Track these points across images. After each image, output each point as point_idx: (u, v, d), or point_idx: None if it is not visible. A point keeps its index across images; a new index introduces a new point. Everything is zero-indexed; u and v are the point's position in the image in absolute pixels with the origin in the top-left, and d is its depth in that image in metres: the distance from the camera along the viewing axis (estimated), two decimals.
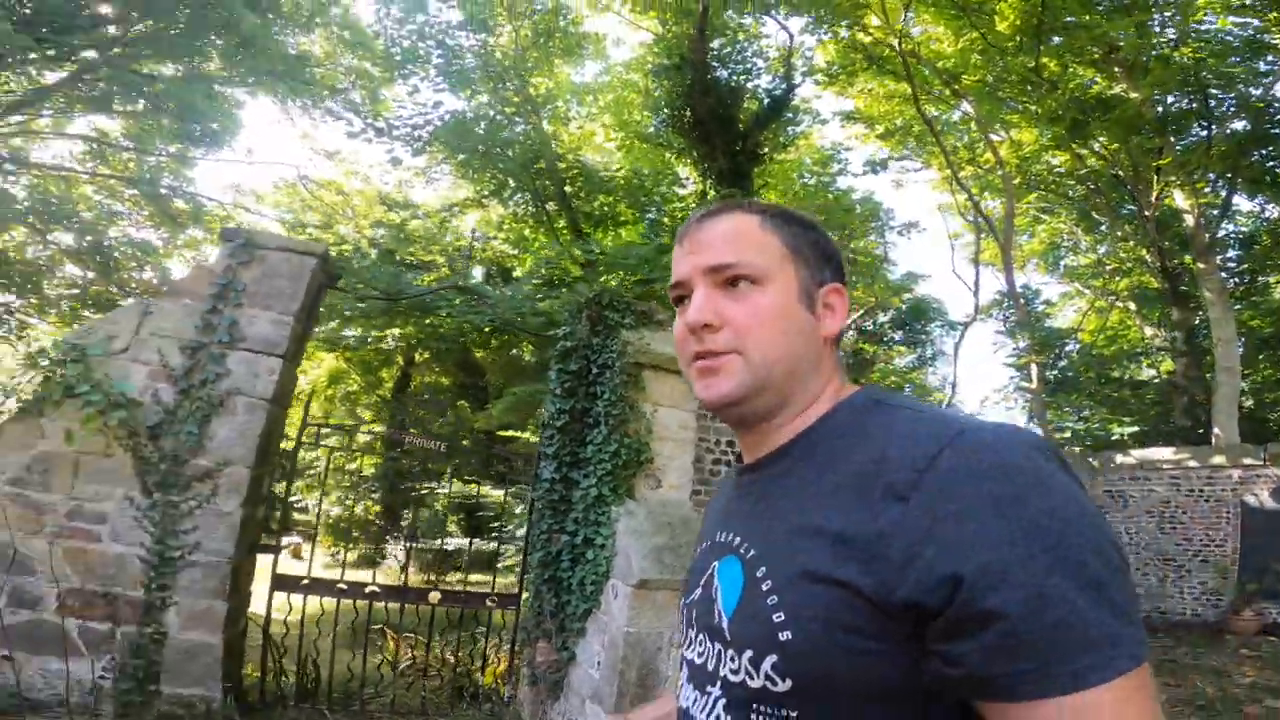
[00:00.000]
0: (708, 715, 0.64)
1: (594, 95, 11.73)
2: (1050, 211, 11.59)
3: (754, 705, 0.59)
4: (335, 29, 13.23)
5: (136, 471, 3.44)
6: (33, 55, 9.09)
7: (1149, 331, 11.28)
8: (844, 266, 0.73)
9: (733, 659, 0.61)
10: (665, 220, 10.08)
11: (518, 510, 7.62)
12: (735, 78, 9.79)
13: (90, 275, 11.21)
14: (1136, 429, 10.87)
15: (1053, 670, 0.48)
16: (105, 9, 10.15)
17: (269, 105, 12.99)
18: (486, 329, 6.91)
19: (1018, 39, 9.11)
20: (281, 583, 3.98)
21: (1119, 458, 8.60)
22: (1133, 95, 9.14)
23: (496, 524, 8.33)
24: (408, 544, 7.56)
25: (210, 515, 3.54)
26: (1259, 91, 9.28)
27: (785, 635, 0.56)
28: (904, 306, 11.28)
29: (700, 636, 0.68)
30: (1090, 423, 11.55)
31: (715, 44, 9.65)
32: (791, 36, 10.16)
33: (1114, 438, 10.99)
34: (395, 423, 10.10)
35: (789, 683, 0.56)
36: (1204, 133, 9.57)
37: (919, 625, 0.51)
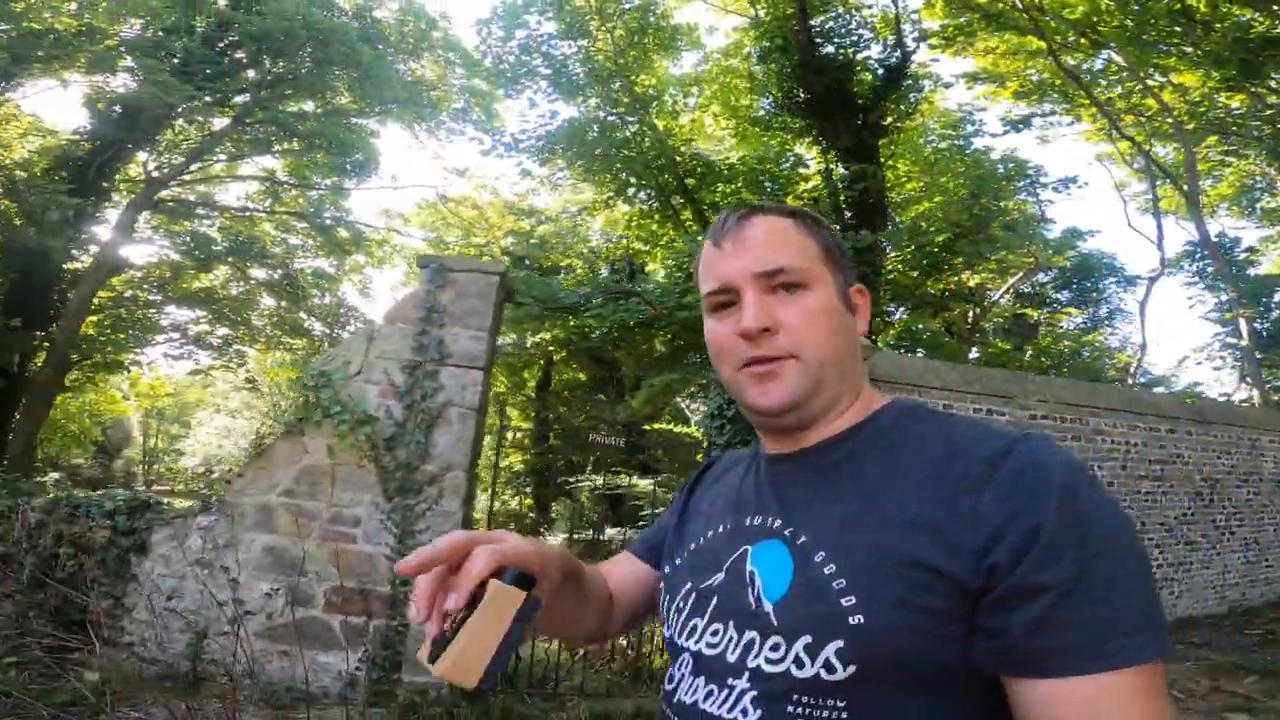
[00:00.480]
0: (729, 709, 0.62)
1: (699, 86, 11.70)
2: (1237, 154, 10.17)
3: (794, 697, 0.58)
4: (440, 52, 14.14)
5: (379, 479, 3.94)
6: (195, 103, 10.29)
7: None
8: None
9: (776, 647, 0.60)
10: (791, 201, 9.91)
11: (669, 497, 7.88)
12: (843, 52, 9.41)
13: (283, 304, 12.72)
14: None
15: (1093, 647, 0.50)
16: (240, 54, 11.36)
17: (399, 132, 14.00)
18: (632, 324, 7.16)
19: None
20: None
21: None
22: None
23: (646, 512, 8.64)
24: (569, 534, 8.04)
25: (438, 515, 3.98)
26: None
27: (857, 619, 0.56)
28: (1067, 265, 10.33)
29: (719, 625, 0.66)
30: None
31: (815, 21, 9.28)
32: (896, 2, 9.57)
33: None
34: (540, 419, 10.70)
35: (851, 669, 0.56)
36: None
37: (976, 605, 0.54)
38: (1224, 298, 9.34)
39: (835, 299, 0.69)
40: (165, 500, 4.33)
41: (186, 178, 12.02)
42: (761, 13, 9.91)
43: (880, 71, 9.32)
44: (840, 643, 0.56)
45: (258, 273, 12.64)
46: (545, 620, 0.71)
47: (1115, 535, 0.54)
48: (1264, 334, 9.96)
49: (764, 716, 0.59)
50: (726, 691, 0.62)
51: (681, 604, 0.72)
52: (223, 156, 12.80)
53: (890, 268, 9.42)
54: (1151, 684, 0.51)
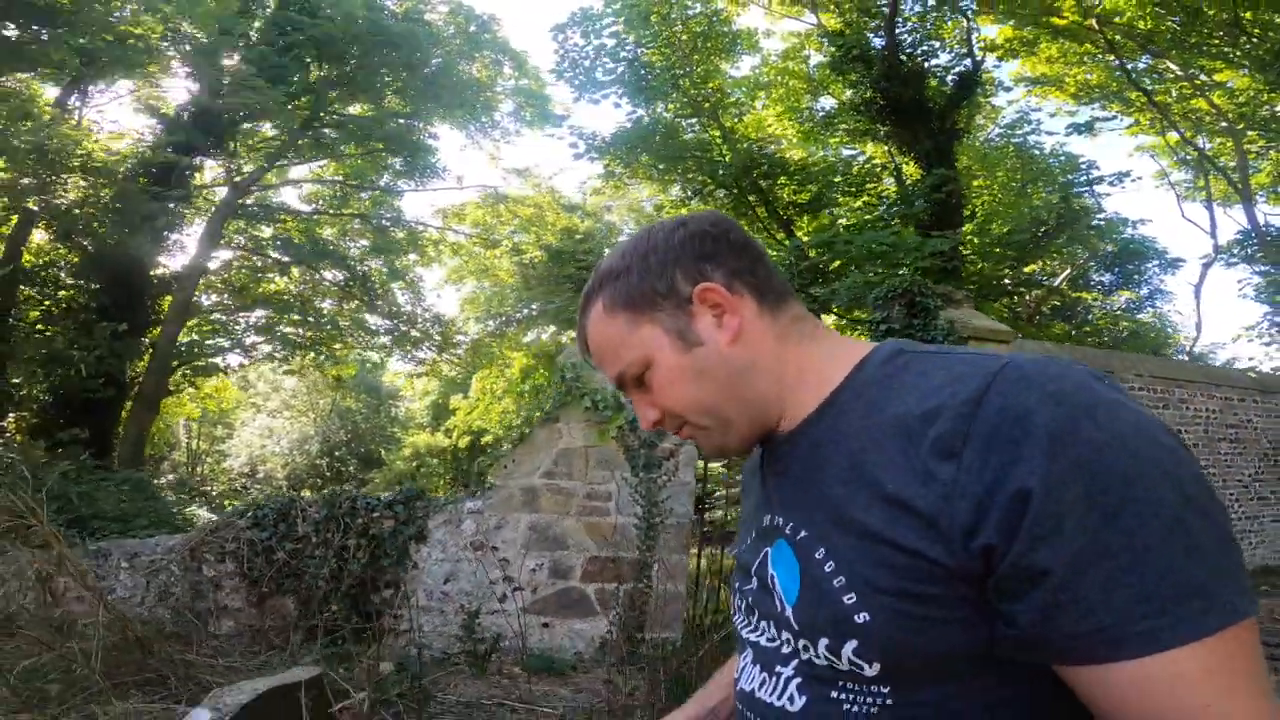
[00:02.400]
0: (778, 696, 0.61)
1: (760, 90, 12.21)
2: (1276, 147, 10.93)
3: (839, 683, 0.56)
4: (490, 54, 14.53)
5: (626, 457, 4.44)
6: (279, 106, 10.59)
7: None
8: (711, 236, 0.66)
9: (806, 647, 0.58)
10: (864, 201, 10.48)
11: None
12: (918, 62, 9.99)
13: (350, 305, 13.12)
14: None
15: (1117, 632, 0.43)
16: (304, 58, 11.60)
17: (454, 133, 14.37)
18: None
19: None
20: (707, 537, 4.96)
21: None
22: None
23: None
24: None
25: (675, 486, 4.51)
26: None
27: (863, 617, 0.52)
28: (1109, 249, 11.04)
29: (764, 624, 0.65)
30: None
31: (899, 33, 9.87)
32: (969, 19, 10.17)
33: None
34: None
35: (877, 666, 0.53)
36: None
37: (983, 587, 0.48)
38: (1270, 268, 10.10)
39: (671, 352, 0.64)
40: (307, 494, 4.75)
41: (263, 182, 12.35)
42: (827, 21, 10.46)
43: (952, 79, 9.90)
44: (855, 643, 0.53)
45: (331, 274, 13.00)
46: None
47: (1138, 478, 0.44)
48: None
49: (810, 702, 0.58)
50: (775, 679, 0.62)
51: (738, 603, 0.71)
52: (287, 161, 13.14)
53: (967, 259, 10.01)
54: (1216, 657, 0.41)
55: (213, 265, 11.93)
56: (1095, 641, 0.44)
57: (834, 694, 0.56)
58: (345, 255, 12.92)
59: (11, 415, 9.77)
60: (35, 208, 9.17)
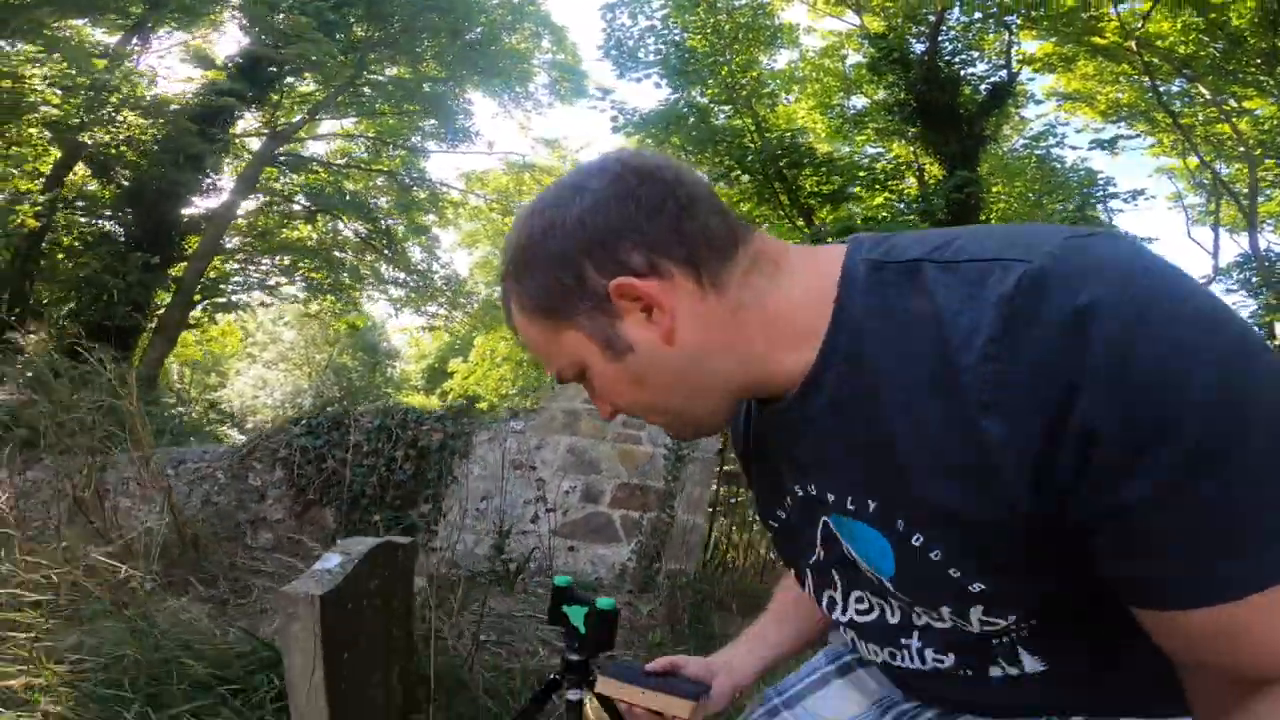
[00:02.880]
0: (921, 662, 0.59)
1: (799, 85, 12.51)
2: None
3: (979, 632, 0.53)
4: (531, 26, 14.76)
5: None
6: (329, 60, 10.84)
7: None
8: (626, 195, 0.51)
9: (928, 613, 0.55)
10: (885, 197, 10.80)
11: None
12: (952, 68, 10.33)
13: (372, 257, 13.37)
14: None
15: (1192, 576, 0.39)
16: (349, 16, 11.82)
17: (490, 102, 14.61)
18: None
19: (1250, 23, 9.06)
20: (727, 477, 5.24)
21: None
22: None
23: None
24: None
25: None
26: None
27: (977, 587, 0.49)
28: None
29: (859, 594, 0.61)
30: None
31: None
32: (1011, 33, 10.50)
33: None
34: None
35: (1011, 616, 0.51)
36: None
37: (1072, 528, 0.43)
38: (1262, 304, 10.54)
39: (603, 362, 0.55)
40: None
41: (298, 135, 12.59)
42: (870, 23, 10.76)
43: (986, 88, 10.25)
44: (980, 607, 0.50)
45: (354, 226, 13.25)
46: (797, 646, 0.86)
47: (1213, 399, 0.36)
48: None
49: (959, 658, 0.56)
50: (906, 651, 0.59)
51: (803, 575, 0.67)
52: (325, 116, 13.38)
53: None
54: None
55: (244, 209, 12.20)
56: (1170, 586, 0.41)
57: (977, 641, 0.55)
58: (370, 208, 13.16)
59: (38, 334, 10.00)
60: (88, 141, 9.40)
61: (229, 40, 11.85)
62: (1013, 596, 0.50)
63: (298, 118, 12.22)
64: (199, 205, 11.45)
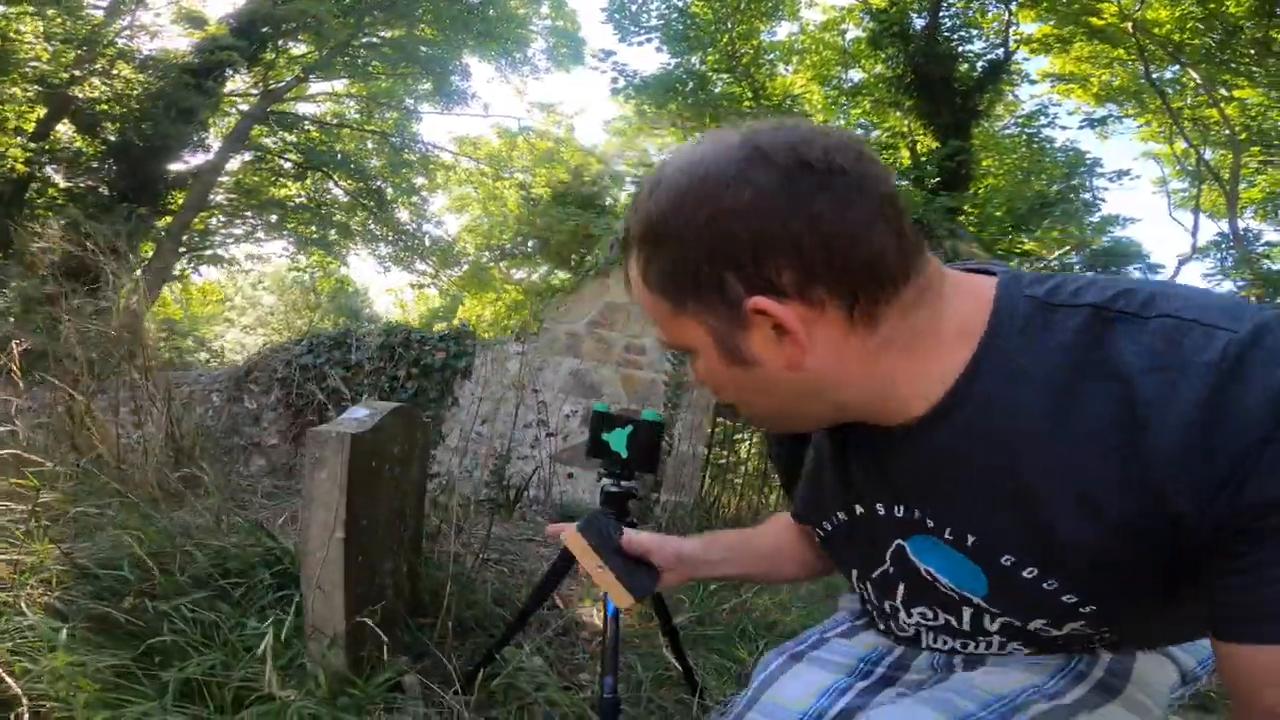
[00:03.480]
0: (997, 648, 0.61)
1: (798, 57, 12.58)
2: (1273, 164, 11.69)
3: (1060, 640, 0.58)
4: None
5: None
6: (331, 19, 10.71)
7: None
8: (801, 195, 0.45)
9: (1014, 622, 0.57)
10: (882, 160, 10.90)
11: None
12: (951, 44, 10.45)
13: (363, 215, 13.25)
14: None
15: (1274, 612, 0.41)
16: None
17: (486, 66, 14.49)
18: None
19: (1248, 11, 9.28)
20: (721, 410, 5.31)
21: None
22: None
23: None
24: None
25: None
26: None
27: (1089, 608, 0.52)
28: (1097, 247, 11.76)
29: (924, 608, 0.63)
30: None
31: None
32: (1009, 12, 10.65)
33: None
34: None
35: (1105, 629, 0.55)
36: None
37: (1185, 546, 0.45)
38: (1240, 282, 10.93)
39: (718, 361, 0.52)
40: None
41: (291, 94, 12.41)
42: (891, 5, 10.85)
43: (982, 65, 10.40)
44: (1080, 622, 0.53)
45: (343, 185, 13.11)
46: (728, 573, 0.86)
47: None
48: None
49: (1037, 647, 0.59)
50: (984, 642, 0.61)
51: (861, 584, 0.68)
52: (320, 77, 13.18)
53: (965, 225, 10.59)
54: None
55: (232, 165, 12.00)
56: (1259, 617, 0.42)
57: (1059, 641, 0.58)
58: (360, 166, 13.03)
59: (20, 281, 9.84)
60: (78, 96, 9.22)
61: (224, 2, 11.61)
62: (1113, 611, 0.52)
63: (290, 78, 12.02)
64: (188, 160, 11.30)
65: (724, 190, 0.46)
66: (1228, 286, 11.69)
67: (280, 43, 11.86)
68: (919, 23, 10.43)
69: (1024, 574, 0.52)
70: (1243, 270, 10.90)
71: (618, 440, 1.22)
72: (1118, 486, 0.44)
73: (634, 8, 11.33)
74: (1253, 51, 9.53)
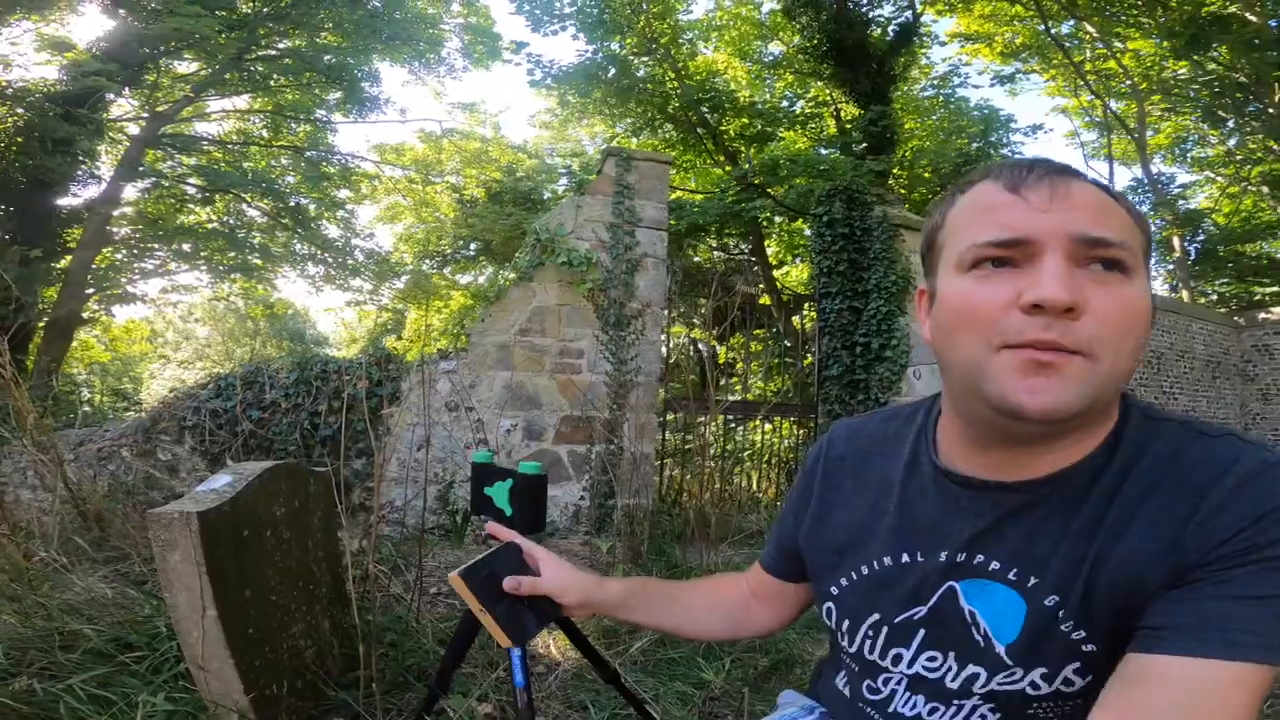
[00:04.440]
0: (964, 715, 0.63)
1: (717, 33, 12.46)
2: (1175, 111, 12.22)
3: (1034, 704, 0.61)
4: None
5: (596, 314, 4.61)
6: (215, 36, 10.09)
7: None
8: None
9: (1010, 675, 0.61)
10: (803, 136, 10.91)
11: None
12: (860, 10, 10.50)
13: (284, 236, 12.57)
14: (1277, 289, 11.84)
15: (1210, 635, 0.49)
16: None
17: (399, 70, 13.94)
18: None
19: None
20: (672, 405, 5.21)
21: (1262, 315, 9.39)
22: (1250, 17, 9.63)
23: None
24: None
25: (644, 345, 4.71)
26: None
27: (1091, 648, 0.58)
28: None
29: (936, 654, 0.65)
30: (1233, 287, 12.59)
31: None
32: None
33: (1256, 298, 12.03)
34: None
35: (1089, 678, 0.58)
36: None
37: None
38: (1160, 222, 11.49)
39: (1149, 302, 0.56)
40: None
41: (187, 113, 11.61)
42: None
43: (893, 29, 10.46)
44: (1077, 664, 0.58)
45: (259, 205, 12.42)
46: (637, 620, 0.87)
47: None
48: (1192, 252, 12.42)
49: (1003, 717, 0.62)
50: (956, 709, 0.64)
51: (871, 633, 0.69)
52: (214, 95, 12.40)
53: (894, 189, 10.71)
54: (1254, 680, 0.49)
55: (130, 195, 11.22)
56: (1198, 635, 0.50)
57: (1029, 712, 0.61)
58: (274, 184, 12.35)
59: None
60: None
61: (91, 23, 10.73)
62: (1107, 657, 0.56)
63: (181, 98, 11.25)
64: (79, 194, 10.50)
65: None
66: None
67: (164, 62, 11.10)
68: None
69: (1058, 614, 0.58)
70: (1163, 213, 11.41)
71: (500, 495, 1.06)
72: (1166, 535, 0.54)
73: None
74: (1141, 3, 9.90)
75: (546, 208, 12.71)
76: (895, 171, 10.44)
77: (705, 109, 10.52)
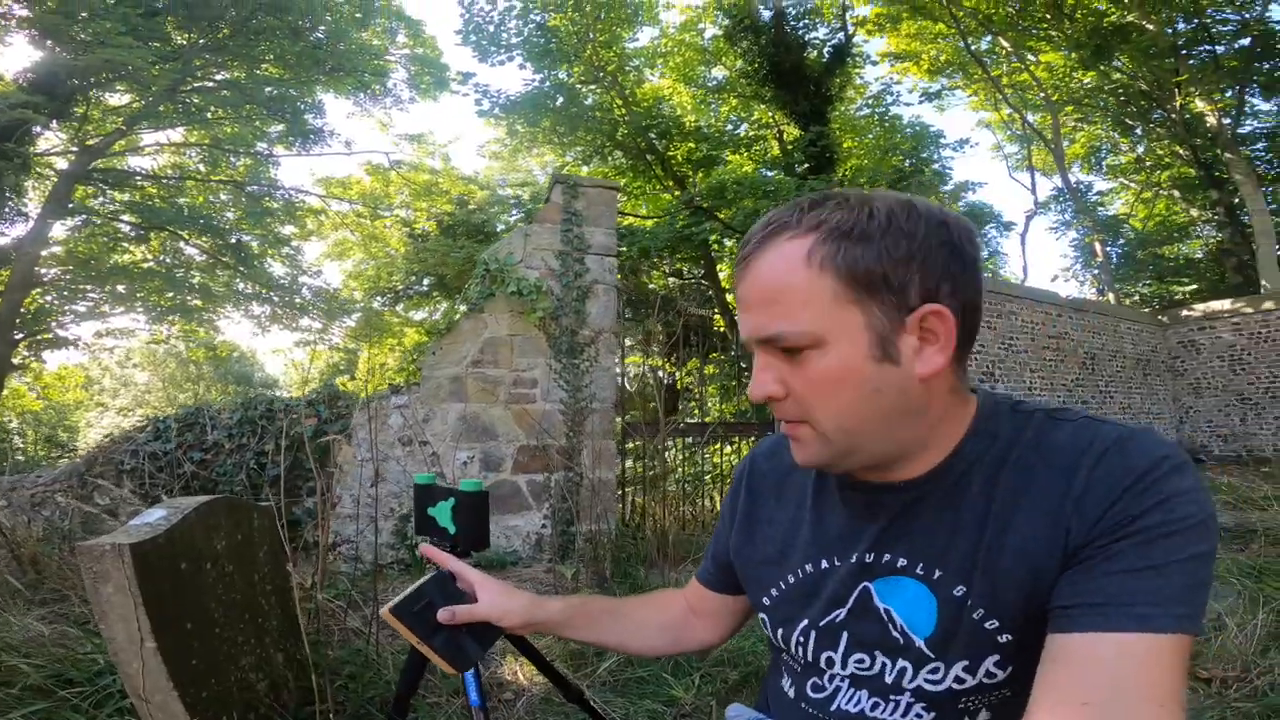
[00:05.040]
0: (901, 714, 0.65)
1: (662, 59, 12.76)
2: (1088, 121, 13.03)
3: (963, 698, 0.63)
4: (384, 21, 14.05)
5: (549, 344, 4.61)
6: (148, 68, 9.84)
7: (1194, 213, 12.90)
8: (965, 256, 0.60)
9: (935, 670, 0.63)
10: (746, 158, 11.22)
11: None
12: (797, 34, 10.94)
13: (226, 275, 12.16)
14: (1195, 288, 12.68)
15: (1113, 610, 0.52)
16: (169, 19, 10.80)
17: (342, 101, 13.78)
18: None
19: None
20: (631, 429, 5.20)
21: (1184, 313, 9.97)
22: (1147, 25, 10.43)
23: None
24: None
25: (598, 371, 4.72)
26: (1256, 12, 10.68)
27: (1006, 638, 0.60)
28: (959, 213, 12.75)
29: (863, 655, 0.67)
30: (1154, 288, 13.43)
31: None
32: None
33: (1176, 298, 12.82)
34: None
35: (1010, 668, 0.61)
36: (1210, 52, 10.98)
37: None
38: (1082, 230, 12.17)
39: (861, 354, 0.58)
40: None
41: (120, 146, 11.21)
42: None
43: (828, 51, 10.92)
44: (996, 656, 0.61)
45: (198, 243, 12.02)
46: (581, 637, 0.88)
47: (1191, 519, 0.54)
48: (1114, 256, 13.22)
49: (938, 717, 0.64)
50: (894, 704, 0.65)
51: (802, 638, 0.71)
52: (148, 128, 12.02)
53: None
54: (1171, 650, 0.51)
55: (60, 233, 10.74)
56: (1096, 613, 0.53)
57: (959, 705, 0.63)
58: (213, 220, 11.98)
59: None
60: None
61: (18, 54, 10.32)
62: (1024, 646, 0.59)
63: (113, 131, 10.87)
64: (5, 233, 10.00)
65: (930, 225, 0.59)
66: (1072, 235, 13.15)
67: (94, 94, 10.73)
68: (766, 15, 10.84)
69: (968, 603, 0.61)
70: (1084, 220, 12.11)
71: (443, 515, 1.07)
72: (1056, 527, 0.58)
73: (491, 28, 11.10)
74: (1049, 16, 10.60)
75: (499, 239, 12.62)
76: (837, 185, 10.84)
77: (653, 135, 10.73)
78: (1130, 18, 10.51)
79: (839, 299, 0.58)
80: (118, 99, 11.42)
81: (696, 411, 7.75)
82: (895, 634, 0.65)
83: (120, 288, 11.21)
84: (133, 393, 20.34)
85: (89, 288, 11.07)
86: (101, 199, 11.36)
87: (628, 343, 6.83)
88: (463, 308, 4.47)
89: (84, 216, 11.16)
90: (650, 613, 0.92)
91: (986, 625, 0.60)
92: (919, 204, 0.60)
